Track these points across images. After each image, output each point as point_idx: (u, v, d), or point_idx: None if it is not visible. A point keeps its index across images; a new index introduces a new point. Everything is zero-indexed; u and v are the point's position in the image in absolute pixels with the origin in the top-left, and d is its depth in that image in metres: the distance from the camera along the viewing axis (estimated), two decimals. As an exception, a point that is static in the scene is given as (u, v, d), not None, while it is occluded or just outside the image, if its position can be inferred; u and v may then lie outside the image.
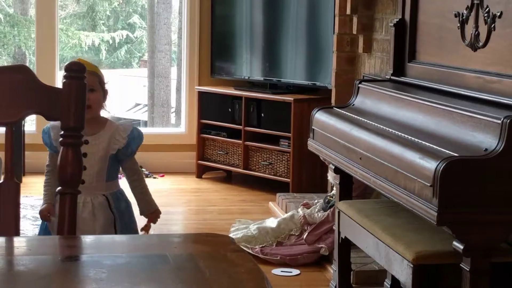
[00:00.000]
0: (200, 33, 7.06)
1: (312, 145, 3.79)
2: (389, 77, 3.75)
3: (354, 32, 5.01)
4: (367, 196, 4.42)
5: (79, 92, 1.95)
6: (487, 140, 2.61)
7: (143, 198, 3.48)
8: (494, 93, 2.91)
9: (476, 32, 3.06)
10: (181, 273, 1.51)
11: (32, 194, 5.56)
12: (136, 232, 3.47)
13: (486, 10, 2.99)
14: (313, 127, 3.76)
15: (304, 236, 4.60)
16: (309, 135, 3.83)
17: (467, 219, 2.57)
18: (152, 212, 3.49)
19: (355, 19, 4.98)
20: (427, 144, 2.79)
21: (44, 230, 3.46)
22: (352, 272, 3.88)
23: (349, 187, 3.73)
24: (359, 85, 3.73)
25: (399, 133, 3.04)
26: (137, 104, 14.65)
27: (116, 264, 1.53)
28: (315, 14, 6.15)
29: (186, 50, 7.16)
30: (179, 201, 6.13)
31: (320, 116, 3.70)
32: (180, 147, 7.13)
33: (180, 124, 8.01)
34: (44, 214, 3.38)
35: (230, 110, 6.53)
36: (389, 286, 3.64)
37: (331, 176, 4.51)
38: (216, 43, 6.97)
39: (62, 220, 1.95)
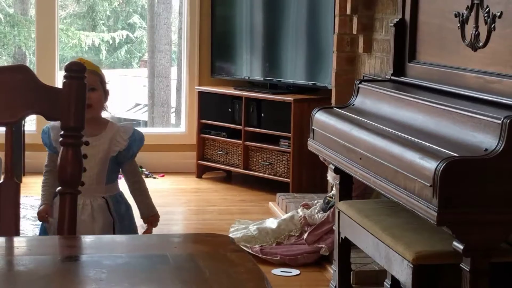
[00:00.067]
0: (200, 33, 7.06)
1: (312, 145, 3.79)
2: (389, 77, 3.75)
3: (354, 32, 5.01)
4: (367, 196, 4.42)
5: (79, 92, 1.95)
6: (487, 140, 2.61)
7: (144, 201, 3.45)
8: (494, 93, 2.91)
9: (476, 32, 3.06)
10: (181, 273, 1.51)
11: (32, 194, 5.56)
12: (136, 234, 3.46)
13: (486, 10, 2.99)
14: (313, 127, 3.76)
15: (305, 236, 4.60)
16: (309, 135, 3.83)
17: (467, 219, 2.57)
18: (152, 215, 3.46)
19: (355, 19, 4.98)
20: (427, 144, 2.79)
21: (44, 231, 3.44)
22: (352, 272, 3.88)
23: (349, 187, 3.73)
24: (359, 85, 3.73)
25: (399, 133, 3.04)
26: (137, 104, 14.65)
27: (116, 264, 1.53)
28: (315, 14, 6.15)
29: (186, 50, 7.16)
30: (179, 201, 6.13)
31: (320, 116, 3.70)
32: (180, 147, 7.13)
33: (180, 124, 8.01)
34: (42, 215, 3.35)
35: (230, 110, 6.53)
36: (389, 286, 3.64)
37: (331, 176, 4.51)
38: (216, 43, 6.97)
39: (62, 220, 1.95)
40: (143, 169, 6.75)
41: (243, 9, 6.82)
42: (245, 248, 4.53)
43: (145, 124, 13.22)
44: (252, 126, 6.34)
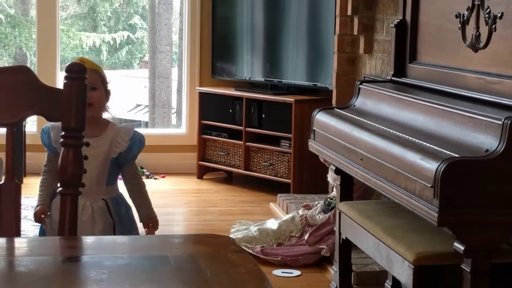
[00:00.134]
0: (201, 34, 7.06)
1: (313, 146, 3.79)
2: (390, 78, 3.75)
3: (355, 33, 5.01)
4: (368, 197, 4.42)
5: (80, 93, 1.95)
6: (488, 141, 2.61)
7: (143, 203, 3.42)
8: (495, 94, 2.92)
9: (477, 33, 3.06)
10: (181, 273, 1.51)
11: (33, 195, 5.55)
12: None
13: (487, 11, 2.99)
14: (314, 128, 3.76)
15: (306, 237, 4.60)
16: (310, 136, 3.83)
17: (468, 220, 2.57)
18: (151, 219, 3.42)
19: (356, 20, 4.98)
20: (428, 145, 2.79)
21: (43, 233, 3.41)
22: (353, 273, 3.88)
23: (350, 188, 3.73)
24: (360, 86, 3.73)
25: (400, 134, 3.04)
26: (138, 105, 14.65)
27: (116, 265, 1.53)
28: (316, 15, 6.15)
29: (187, 51, 7.16)
30: (180, 202, 6.13)
31: (321, 117, 3.70)
32: (181, 148, 7.13)
33: (181, 125, 8.01)
34: (38, 216, 3.32)
35: (231, 111, 6.53)
36: (390, 287, 3.64)
37: (331, 177, 4.51)
38: (217, 44, 6.98)
39: (63, 221, 1.96)
40: (143, 169, 6.75)
41: (244, 9, 6.82)
42: (246, 249, 4.53)
43: (146, 125, 13.22)
44: (253, 127, 6.34)
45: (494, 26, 2.96)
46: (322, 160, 4.49)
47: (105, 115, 3.43)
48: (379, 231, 3.17)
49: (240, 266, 1.52)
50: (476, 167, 2.54)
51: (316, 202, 4.95)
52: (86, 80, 1.98)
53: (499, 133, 2.57)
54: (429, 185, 2.57)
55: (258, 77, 6.68)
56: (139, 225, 3.47)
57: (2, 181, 2.01)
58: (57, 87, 1.99)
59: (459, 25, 3.18)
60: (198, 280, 1.48)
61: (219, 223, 5.42)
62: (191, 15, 7.07)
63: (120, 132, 3.37)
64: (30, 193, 5.65)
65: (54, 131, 3.27)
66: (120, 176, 3.46)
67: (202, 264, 1.53)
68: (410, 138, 2.95)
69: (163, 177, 6.91)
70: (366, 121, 3.38)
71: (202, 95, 6.79)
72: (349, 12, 4.99)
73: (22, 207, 2.16)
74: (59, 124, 1.99)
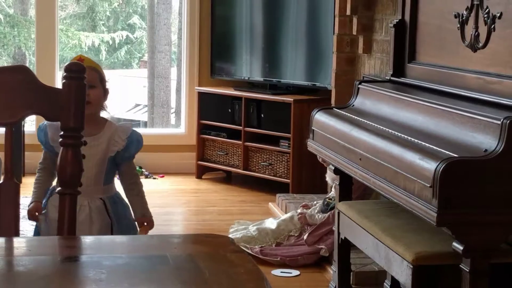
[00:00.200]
0: (200, 33, 7.06)
1: (312, 145, 3.79)
2: (389, 77, 3.75)
3: (354, 32, 5.01)
4: (367, 197, 4.42)
5: (79, 93, 1.95)
6: (487, 141, 2.61)
7: (139, 201, 3.38)
8: (494, 94, 2.91)
9: (476, 33, 3.06)
10: (180, 273, 1.51)
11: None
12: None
13: (486, 11, 2.99)
14: (313, 127, 3.76)
15: (305, 237, 4.60)
16: (309, 135, 3.83)
17: (467, 220, 2.57)
18: (145, 217, 3.38)
19: (355, 20, 4.98)
20: (427, 145, 2.79)
21: (38, 232, 3.37)
22: (351, 273, 3.88)
23: (349, 188, 3.73)
24: (359, 86, 3.73)
25: (399, 134, 3.04)
26: (137, 105, 14.65)
27: (115, 265, 1.53)
28: (315, 15, 6.15)
29: (186, 51, 7.16)
30: (179, 201, 6.13)
31: (320, 117, 3.70)
32: (180, 147, 7.13)
33: (180, 124, 8.01)
34: (32, 214, 3.29)
35: (230, 110, 6.53)
36: (388, 287, 3.64)
37: (329, 177, 4.52)
38: (216, 44, 6.98)
39: (61, 220, 1.96)
40: (142, 169, 6.75)
41: (243, 9, 6.82)
42: (245, 249, 4.53)
43: (145, 124, 13.22)
44: (252, 127, 6.34)
45: (493, 26, 2.96)
46: (320, 160, 4.49)
47: (103, 114, 3.41)
48: (378, 231, 3.17)
49: (239, 266, 1.52)
50: (475, 167, 2.54)
51: (315, 202, 4.95)
52: (85, 80, 1.97)
53: (498, 133, 2.57)
54: (428, 185, 2.57)
55: (257, 77, 6.68)
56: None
57: (1, 181, 2.01)
58: (56, 87, 1.99)
59: (458, 25, 3.18)
60: (197, 280, 1.48)
61: (218, 223, 5.42)
62: (190, 15, 7.07)
63: (118, 131, 3.34)
64: (29, 193, 5.63)
65: (51, 130, 3.25)
66: (117, 175, 3.44)
67: (201, 264, 1.53)
68: (409, 138, 2.95)
69: (162, 177, 6.91)
70: (365, 121, 3.38)
71: (201, 95, 6.79)
72: (348, 12, 4.99)
73: (21, 206, 2.16)
74: (57, 123, 1.99)
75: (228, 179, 6.85)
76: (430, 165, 2.58)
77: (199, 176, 6.86)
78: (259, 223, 4.92)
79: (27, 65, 11.39)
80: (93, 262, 1.55)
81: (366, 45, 4.93)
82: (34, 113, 2.03)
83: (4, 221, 1.98)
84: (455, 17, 3.20)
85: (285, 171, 6.13)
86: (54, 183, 3.41)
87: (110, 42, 14.08)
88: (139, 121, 13.87)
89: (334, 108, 3.82)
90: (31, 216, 3.31)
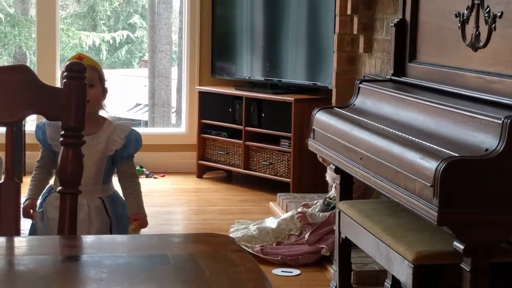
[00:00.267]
0: (200, 33, 7.06)
1: (313, 145, 3.79)
2: (389, 77, 3.75)
3: (355, 32, 5.01)
4: (367, 197, 4.42)
5: (79, 92, 1.96)
6: (487, 140, 2.61)
7: (135, 199, 3.34)
8: (495, 93, 2.91)
9: (477, 32, 3.06)
10: (181, 273, 1.51)
11: (33, 194, 5.56)
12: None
13: (487, 10, 2.99)
14: (313, 127, 3.76)
15: (306, 237, 4.60)
16: (310, 135, 3.83)
17: (468, 219, 2.57)
18: (139, 214, 3.33)
19: (355, 19, 4.98)
20: (428, 144, 2.79)
21: (34, 232, 3.33)
22: (352, 272, 3.88)
23: (350, 187, 3.73)
24: (360, 85, 3.73)
25: (400, 133, 3.04)
26: (138, 104, 14.65)
27: (116, 264, 1.53)
28: (315, 14, 6.15)
29: (186, 50, 7.16)
30: (180, 201, 6.13)
31: (320, 116, 3.70)
32: (180, 147, 7.13)
33: (180, 124, 8.01)
34: (27, 211, 3.25)
35: (230, 110, 6.53)
36: (389, 286, 3.64)
37: (329, 177, 4.52)
38: (217, 43, 6.98)
39: (62, 220, 1.96)
40: (143, 169, 6.75)
41: (244, 9, 6.82)
42: (245, 248, 4.53)
43: (146, 124, 13.22)
44: (252, 126, 6.34)
45: (494, 25, 2.96)
46: (320, 159, 4.49)
47: (101, 113, 3.39)
48: (378, 230, 3.17)
49: (239, 266, 1.52)
50: (475, 167, 2.54)
51: (315, 201, 4.95)
52: (86, 79, 1.98)
53: (499, 132, 2.57)
54: (429, 184, 2.57)
55: (258, 76, 6.67)
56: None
57: (2, 180, 2.01)
58: (57, 86, 1.99)
59: (459, 24, 3.18)
60: (197, 279, 1.48)
61: (218, 222, 5.42)
62: (191, 14, 7.07)
63: (117, 130, 3.32)
64: (30, 192, 5.65)
65: (49, 128, 3.23)
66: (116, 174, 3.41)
67: (201, 263, 1.53)
68: (410, 137, 2.95)
69: (163, 176, 6.91)
70: (366, 120, 3.38)
71: (202, 94, 6.79)
72: (348, 12, 4.99)
73: (22, 206, 2.16)
74: (56, 122, 1.99)
75: (228, 178, 6.85)
76: (430, 165, 2.58)
77: (199, 176, 6.86)
78: (259, 222, 4.92)
79: (28, 64, 11.40)
80: (94, 261, 1.55)
81: (367, 45, 4.93)
82: (34, 113, 2.03)
83: (4, 221, 1.98)
84: (456, 16, 3.20)
85: (286, 171, 6.13)
86: (52, 181, 3.40)
87: (111, 42, 14.08)
88: (140, 120, 13.87)
89: (334, 108, 3.82)
90: (26, 213, 3.27)
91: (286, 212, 5.23)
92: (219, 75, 6.96)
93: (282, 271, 4.42)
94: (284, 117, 6.07)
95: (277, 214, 5.49)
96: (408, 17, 3.65)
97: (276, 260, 4.53)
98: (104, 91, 3.36)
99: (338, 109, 3.71)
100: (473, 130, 2.71)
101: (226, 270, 1.50)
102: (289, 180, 6.05)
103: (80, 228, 3.10)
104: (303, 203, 5.03)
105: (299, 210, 4.85)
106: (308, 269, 4.47)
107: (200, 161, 6.82)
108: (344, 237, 3.63)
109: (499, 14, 2.93)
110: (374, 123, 3.29)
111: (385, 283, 3.70)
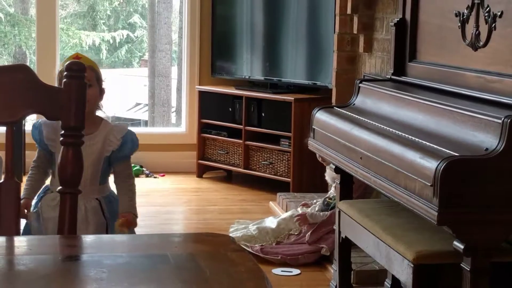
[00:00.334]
0: (200, 32, 7.06)
1: (313, 144, 3.79)
2: (389, 76, 3.75)
3: (355, 31, 5.01)
4: (367, 196, 4.42)
5: (79, 92, 1.96)
6: (487, 140, 2.61)
7: (127, 198, 3.30)
8: (495, 92, 2.91)
9: (477, 32, 3.06)
10: (181, 272, 1.51)
11: (33, 194, 5.56)
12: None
13: (487, 9, 2.99)
14: (313, 126, 3.76)
15: (306, 237, 4.60)
16: (310, 134, 3.83)
17: (468, 219, 2.57)
18: (129, 212, 3.29)
19: (355, 19, 4.98)
20: (428, 143, 2.79)
21: (28, 231, 3.30)
22: (352, 272, 3.88)
23: (350, 187, 3.73)
24: (360, 85, 3.73)
25: (400, 133, 3.04)
26: (138, 104, 14.65)
27: (116, 264, 1.53)
28: (315, 14, 6.15)
29: (186, 50, 7.16)
30: (180, 200, 6.13)
31: (320, 116, 3.70)
32: (180, 146, 7.13)
33: (180, 123, 8.01)
34: (22, 211, 3.19)
35: (230, 109, 6.53)
36: (389, 286, 3.64)
37: (329, 176, 4.52)
38: (217, 43, 6.97)
39: (62, 219, 1.96)
40: (143, 168, 6.75)
41: (244, 8, 6.82)
42: (245, 248, 4.53)
43: (146, 123, 13.21)
44: (252, 126, 6.34)
45: (494, 24, 2.96)
46: (319, 159, 4.49)
47: (98, 114, 3.37)
48: (378, 230, 3.17)
49: (239, 265, 1.52)
50: (476, 166, 2.54)
51: (315, 201, 4.95)
52: (85, 79, 1.98)
53: (499, 131, 2.56)
54: (429, 184, 2.57)
55: (258, 76, 6.67)
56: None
57: (2, 180, 2.01)
58: (57, 86, 1.99)
59: (459, 24, 3.18)
60: (197, 279, 1.48)
61: (218, 222, 5.42)
62: (191, 13, 7.07)
63: (113, 130, 3.31)
64: (30, 192, 5.65)
65: (46, 128, 3.18)
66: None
67: (201, 263, 1.53)
68: (410, 137, 2.95)
69: (163, 175, 6.91)
70: (366, 120, 3.37)
71: (202, 93, 6.79)
72: (348, 11, 4.99)
73: (22, 206, 2.15)
74: (52, 121, 1.99)
75: (228, 178, 6.85)
76: (431, 164, 2.58)
77: (199, 175, 6.86)
78: (259, 222, 4.92)
79: (28, 64, 11.40)
80: (94, 261, 1.55)
81: (367, 44, 4.93)
82: (34, 112, 2.03)
83: (4, 220, 1.98)
84: (456, 16, 3.20)
85: (286, 170, 6.13)
86: (48, 182, 3.39)
87: (111, 41, 14.08)
88: (140, 120, 13.88)
89: (334, 107, 3.82)
90: (21, 213, 3.24)
91: (286, 211, 5.22)
92: (219, 75, 6.95)
93: (282, 271, 4.42)
94: (284, 117, 6.07)
95: (277, 213, 5.49)
96: (408, 16, 3.65)
97: (276, 259, 4.52)
98: (101, 92, 3.35)
99: (338, 109, 3.71)
100: (473, 129, 2.71)
101: (226, 270, 1.50)
102: (289, 179, 6.05)
103: (77, 229, 3.11)
104: (303, 202, 5.03)
105: (299, 210, 4.85)
106: (308, 268, 4.47)
107: (200, 161, 6.82)
108: (344, 237, 3.63)
109: (499, 13, 2.92)
110: (374, 123, 3.29)
111: (385, 282, 3.70)
